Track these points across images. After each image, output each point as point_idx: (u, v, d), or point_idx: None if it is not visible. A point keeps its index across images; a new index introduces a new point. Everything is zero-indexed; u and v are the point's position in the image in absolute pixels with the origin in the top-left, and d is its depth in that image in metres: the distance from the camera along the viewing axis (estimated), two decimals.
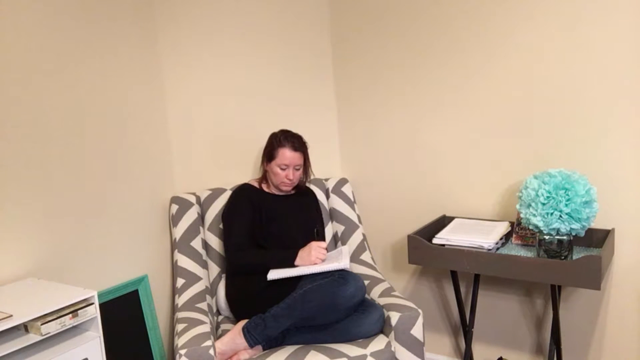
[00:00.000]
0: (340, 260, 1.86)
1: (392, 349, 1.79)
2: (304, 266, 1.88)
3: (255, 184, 2.17)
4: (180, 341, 1.68)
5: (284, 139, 2.07)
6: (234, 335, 1.79)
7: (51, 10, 1.79)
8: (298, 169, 2.10)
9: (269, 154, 2.10)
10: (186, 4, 2.27)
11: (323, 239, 2.20)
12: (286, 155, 2.05)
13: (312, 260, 1.86)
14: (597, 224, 1.89)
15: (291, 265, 1.89)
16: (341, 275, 1.81)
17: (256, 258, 1.95)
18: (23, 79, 1.70)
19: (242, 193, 2.11)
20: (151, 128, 2.20)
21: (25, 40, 1.71)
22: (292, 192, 2.20)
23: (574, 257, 1.75)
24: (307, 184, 2.27)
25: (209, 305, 2.04)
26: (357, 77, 2.43)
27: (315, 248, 1.89)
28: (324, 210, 2.37)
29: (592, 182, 1.88)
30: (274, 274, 1.88)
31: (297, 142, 2.08)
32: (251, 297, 1.95)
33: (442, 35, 2.14)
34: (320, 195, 2.38)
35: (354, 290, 1.78)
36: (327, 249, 2.16)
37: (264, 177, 2.17)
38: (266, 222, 2.05)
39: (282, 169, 2.07)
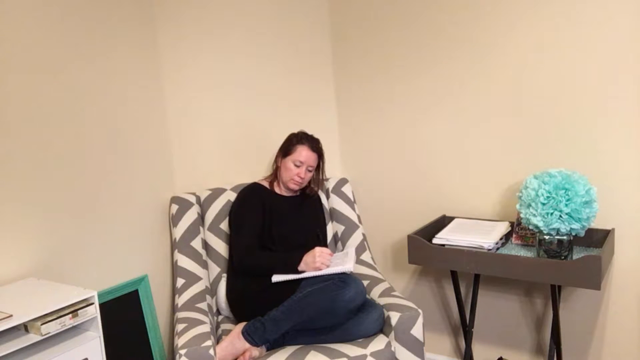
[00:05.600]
0: (345, 263, 1.87)
1: (392, 349, 1.79)
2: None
3: (266, 184, 2.17)
4: (180, 341, 1.68)
5: (304, 138, 2.12)
6: (233, 340, 1.78)
7: (50, 8, 1.79)
8: (310, 171, 2.12)
9: (285, 149, 2.12)
10: (186, 3, 2.26)
11: (325, 244, 2.21)
12: (303, 152, 2.07)
13: (317, 266, 1.86)
14: (597, 224, 1.89)
15: (295, 269, 1.90)
16: (342, 278, 1.80)
17: (263, 260, 1.94)
18: (23, 78, 1.70)
19: (254, 193, 2.11)
20: (151, 128, 2.20)
21: (25, 39, 1.71)
22: (297, 193, 2.21)
23: (574, 257, 1.75)
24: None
25: (209, 305, 2.04)
26: (357, 76, 2.43)
27: (319, 254, 1.88)
28: (324, 210, 2.37)
29: (592, 182, 1.88)
30: (278, 276, 1.90)
31: (315, 144, 2.12)
32: (252, 297, 1.95)
33: (442, 35, 2.14)
34: (320, 196, 2.38)
35: (354, 295, 1.78)
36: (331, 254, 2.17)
37: (275, 176, 2.17)
38: (276, 223, 2.06)
39: (296, 166, 2.08)
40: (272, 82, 2.43)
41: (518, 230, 1.96)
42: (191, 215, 2.22)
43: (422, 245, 1.89)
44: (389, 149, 2.39)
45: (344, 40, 2.44)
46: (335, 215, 2.38)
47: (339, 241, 2.35)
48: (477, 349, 2.29)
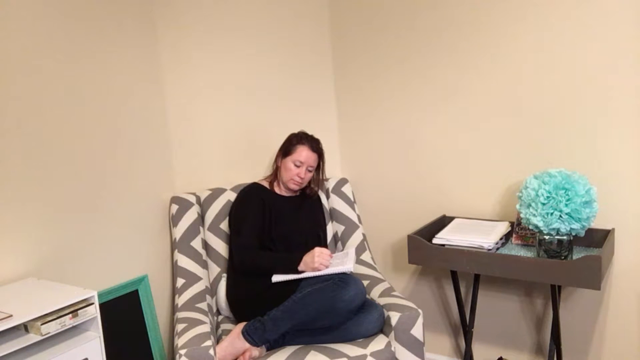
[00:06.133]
0: (345, 263, 1.87)
1: (392, 349, 1.79)
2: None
3: (266, 184, 2.18)
4: (180, 341, 1.68)
5: (305, 138, 2.12)
6: (233, 340, 1.78)
7: (50, 8, 1.79)
8: (310, 171, 2.12)
9: (285, 149, 2.12)
10: (186, 3, 2.27)
11: (325, 244, 2.21)
12: (303, 153, 2.08)
13: (316, 266, 1.86)
14: (597, 224, 1.89)
15: (295, 269, 1.90)
16: (341, 278, 1.80)
17: (263, 260, 1.95)
18: (22, 78, 1.70)
19: (254, 193, 2.11)
20: (151, 128, 2.20)
21: (26, 39, 1.71)
22: (297, 193, 2.21)
23: (574, 257, 1.75)
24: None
25: (209, 305, 2.04)
26: (357, 76, 2.43)
27: (319, 254, 1.88)
28: (324, 210, 2.37)
29: (592, 182, 1.88)
30: (278, 276, 1.90)
31: (316, 145, 2.13)
32: (252, 297, 1.95)
33: (441, 35, 2.14)
34: (320, 196, 2.38)
35: (353, 295, 1.78)
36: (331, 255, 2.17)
37: (275, 176, 2.17)
38: (276, 223, 2.06)
39: (296, 166, 2.08)
40: (272, 82, 2.43)
41: (518, 230, 1.96)
42: (191, 215, 2.22)
43: (422, 245, 1.89)
44: (389, 149, 2.39)
45: (344, 40, 2.44)
46: (335, 215, 2.38)
47: (339, 241, 2.35)
48: (477, 349, 2.29)
